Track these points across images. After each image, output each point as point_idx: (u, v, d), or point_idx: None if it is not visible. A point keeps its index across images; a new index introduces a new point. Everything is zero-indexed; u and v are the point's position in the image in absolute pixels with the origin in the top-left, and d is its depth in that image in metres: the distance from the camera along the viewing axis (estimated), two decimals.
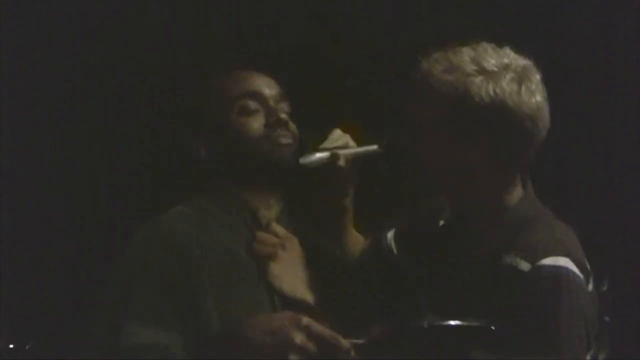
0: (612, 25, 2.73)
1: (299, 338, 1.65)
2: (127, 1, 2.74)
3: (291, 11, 2.77)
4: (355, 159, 1.98)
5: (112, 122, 2.76)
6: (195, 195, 2.01)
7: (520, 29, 2.62)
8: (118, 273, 1.87)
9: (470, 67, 1.81)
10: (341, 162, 1.94)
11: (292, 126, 1.97)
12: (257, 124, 1.94)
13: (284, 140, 1.93)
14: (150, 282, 1.82)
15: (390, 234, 2.07)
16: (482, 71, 1.80)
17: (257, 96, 1.95)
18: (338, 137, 1.99)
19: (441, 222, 2.01)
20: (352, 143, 1.99)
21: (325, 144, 1.98)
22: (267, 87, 1.98)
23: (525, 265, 1.78)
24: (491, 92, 1.79)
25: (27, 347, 2.52)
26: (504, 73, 1.81)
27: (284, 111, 1.96)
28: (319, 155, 1.96)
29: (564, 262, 1.79)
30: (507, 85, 1.80)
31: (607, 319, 1.94)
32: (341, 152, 1.96)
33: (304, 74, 2.69)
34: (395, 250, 2.04)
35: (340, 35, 2.79)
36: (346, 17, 2.80)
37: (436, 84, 1.81)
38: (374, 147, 1.99)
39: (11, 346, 2.55)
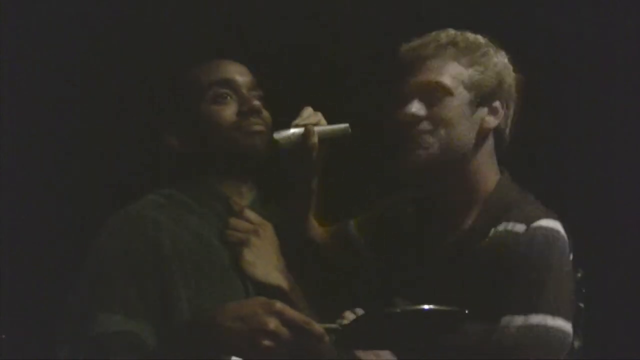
0: (612, 25, 2.73)
1: (272, 323, 1.62)
2: None
3: (290, 11, 2.77)
4: (325, 138, 1.98)
5: (84, 114, 2.76)
6: (167, 184, 2.00)
7: (520, 29, 2.62)
8: (88, 262, 1.86)
9: (480, 41, 1.94)
10: (314, 138, 1.94)
11: (266, 113, 1.97)
12: (229, 111, 1.94)
13: (257, 128, 1.93)
14: (120, 271, 1.82)
15: (353, 222, 2.09)
16: (490, 47, 1.95)
17: (229, 84, 1.96)
18: (309, 114, 2.00)
19: (406, 208, 2.06)
20: (323, 121, 2.00)
21: (298, 121, 1.98)
22: (239, 75, 1.98)
23: (520, 227, 1.84)
24: (501, 66, 1.92)
25: (2, 336, 2.52)
26: (500, 51, 1.95)
27: (256, 98, 1.96)
28: (292, 130, 1.96)
29: (556, 225, 1.86)
30: (506, 60, 1.95)
31: (581, 305, 1.97)
32: (314, 128, 1.96)
33: (303, 73, 2.70)
34: (361, 239, 2.06)
35: (340, 35, 2.79)
36: (345, 17, 2.80)
37: (461, 52, 1.90)
38: (345, 125, 2.00)
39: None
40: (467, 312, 1.68)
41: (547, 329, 1.77)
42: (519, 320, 1.78)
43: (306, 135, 1.94)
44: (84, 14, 2.70)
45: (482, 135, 1.93)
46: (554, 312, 1.79)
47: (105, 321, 1.76)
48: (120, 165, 2.73)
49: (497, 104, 1.94)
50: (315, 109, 2.03)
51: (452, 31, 1.95)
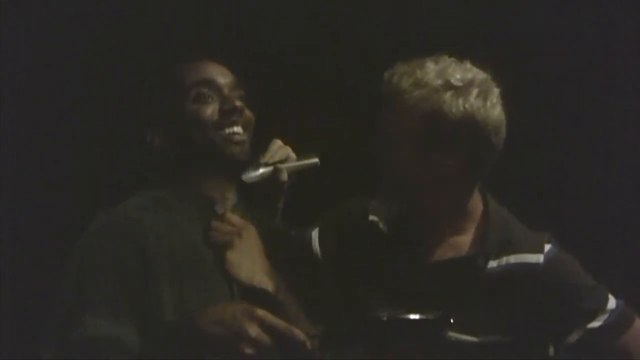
0: (612, 25, 2.73)
1: (253, 330, 1.62)
2: None
3: (288, 12, 2.77)
4: (294, 172, 2.02)
5: (67, 115, 2.75)
6: (152, 185, 2.00)
7: (520, 30, 2.62)
8: (72, 263, 1.85)
9: (437, 82, 1.89)
10: (283, 177, 2.00)
11: (248, 113, 1.97)
12: (210, 110, 1.94)
13: (236, 129, 1.93)
14: (105, 273, 1.80)
15: (314, 233, 2.09)
16: (450, 86, 1.89)
17: (211, 84, 1.96)
18: (278, 148, 2.02)
19: (371, 218, 2.05)
20: (292, 155, 2.03)
21: (267, 157, 2.01)
22: (221, 76, 1.98)
23: (534, 258, 1.93)
24: (461, 108, 1.87)
25: None
26: (469, 88, 1.89)
27: (238, 98, 1.97)
28: (261, 170, 1.99)
29: (561, 247, 1.98)
30: (474, 100, 1.89)
31: None
32: (283, 166, 1.99)
33: (301, 73, 2.70)
34: (318, 250, 2.07)
35: (338, 36, 2.79)
36: (344, 17, 2.80)
37: (406, 99, 1.89)
38: (315, 160, 2.03)
39: None
40: (452, 320, 1.71)
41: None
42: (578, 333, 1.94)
43: (275, 175, 1.99)
44: (76, 15, 2.70)
45: (441, 172, 1.92)
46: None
47: (91, 324, 1.75)
48: (106, 165, 2.73)
49: (454, 146, 1.90)
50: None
51: (419, 73, 1.91)
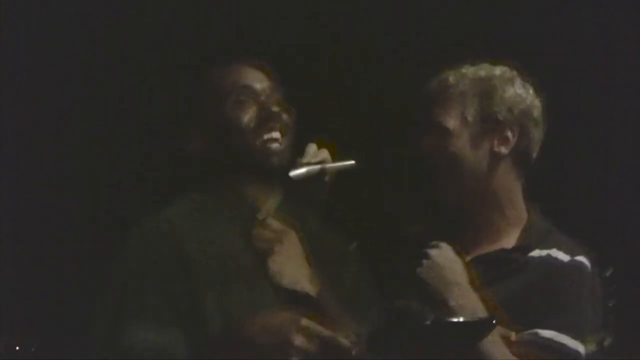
0: (612, 25, 2.73)
1: (298, 340, 1.66)
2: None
3: (291, 11, 2.77)
4: (334, 173, 2.03)
5: (107, 120, 2.76)
6: (193, 190, 1.99)
7: (520, 30, 2.62)
8: (117, 272, 1.86)
9: (484, 73, 2.02)
10: (327, 177, 2.00)
11: (286, 117, 1.97)
12: (248, 117, 1.93)
13: (274, 135, 1.93)
14: (149, 281, 1.81)
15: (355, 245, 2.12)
16: (496, 75, 2.02)
17: (249, 90, 1.96)
18: (315, 152, 2.04)
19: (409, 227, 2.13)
20: (328, 157, 2.04)
21: (307, 159, 2.01)
22: (258, 81, 1.97)
23: (564, 257, 1.95)
24: (511, 91, 1.99)
25: (32, 349, 2.52)
26: (513, 79, 2.02)
27: (275, 104, 1.97)
28: (308, 169, 1.99)
29: (588, 263, 1.99)
30: (519, 89, 2.01)
31: (610, 304, 2.08)
32: (327, 165, 2.00)
33: (304, 74, 2.70)
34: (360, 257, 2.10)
35: (341, 36, 2.80)
36: (345, 17, 2.80)
37: (460, 88, 2.00)
38: (352, 162, 2.05)
39: (17, 348, 2.56)
40: (495, 322, 1.72)
41: (565, 348, 1.90)
42: (547, 334, 1.89)
43: (320, 173, 1.98)
44: (100, 17, 2.71)
45: (495, 162, 2.01)
46: (576, 337, 1.91)
47: (135, 332, 1.76)
48: (146, 170, 2.73)
49: (507, 133, 2.00)
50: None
51: (463, 69, 2.03)
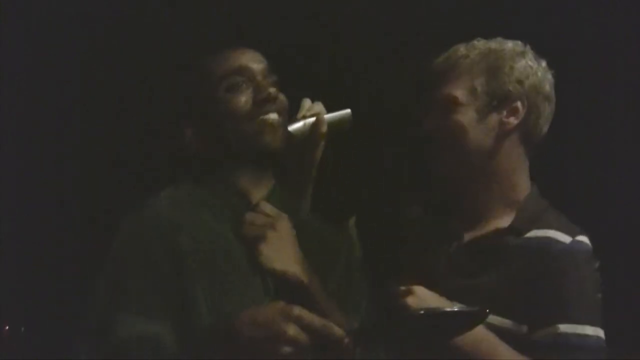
0: (612, 25, 2.73)
1: (291, 330, 1.62)
2: None
3: (291, 11, 2.77)
4: (331, 126, 2.02)
5: (98, 109, 2.75)
6: (183, 181, 1.98)
7: (520, 31, 2.62)
8: (106, 264, 1.84)
9: (495, 46, 2.02)
10: (324, 127, 1.99)
11: (281, 97, 1.94)
12: (244, 99, 1.90)
13: (272, 117, 1.89)
14: (138, 272, 1.80)
15: (351, 222, 2.11)
16: (506, 48, 2.01)
17: (244, 72, 1.92)
18: (310, 105, 2.02)
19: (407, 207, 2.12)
20: (323, 110, 2.03)
21: (303, 112, 2.01)
22: (254, 62, 1.95)
23: (565, 238, 1.94)
24: (520, 64, 1.99)
25: (22, 330, 2.52)
26: (525, 53, 2.02)
27: (271, 84, 1.94)
28: (303, 122, 1.98)
29: (589, 243, 1.98)
30: (530, 62, 2.01)
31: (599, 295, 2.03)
32: (323, 116, 2.00)
33: (304, 72, 2.70)
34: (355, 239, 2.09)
35: (340, 34, 2.80)
36: (345, 16, 2.80)
37: (468, 60, 1.99)
38: (347, 111, 2.03)
39: (7, 327, 2.56)
40: (488, 311, 1.70)
41: (588, 339, 1.89)
42: (566, 328, 1.89)
43: (317, 124, 1.97)
44: (93, 11, 2.71)
45: (502, 135, 1.99)
46: (592, 323, 1.91)
47: (126, 324, 1.75)
48: (136, 159, 2.73)
49: (517, 104, 1.98)
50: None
51: (476, 42, 2.03)
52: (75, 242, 2.65)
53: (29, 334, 2.56)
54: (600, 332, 1.89)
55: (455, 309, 1.68)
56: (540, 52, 2.10)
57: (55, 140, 2.74)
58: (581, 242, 1.95)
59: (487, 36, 2.09)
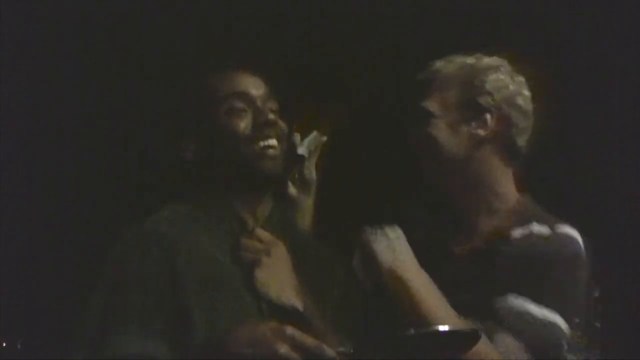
0: (612, 25, 2.73)
1: (283, 349, 1.64)
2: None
3: (292, 11, 2.78)
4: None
5: (99, 126, 2.76)
6: (182, 199, 1.98)
7: (521, 31, 2.63)
8: (102, 279, 1.85)
9: (471, 61, 2.06)
10: (324, 137, 2.10)
11: (281, 124, 1.95)
12: (244, 123, 1.91)
13: (270, 142, 1.90)
14: (133, 289, 1.80)
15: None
16: (482, 64, 2.05)
17: (244, 97, 1.93)
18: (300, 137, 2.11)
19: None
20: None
21: (298, 140, 2.09)
22: (254, 88, 1.95)
23: (545, 230, 1.95)
24: (493, 78, 2.02)
25: (18, 346, 2.52)
26: (500, 67, 2.05)
27: (271, 110, 1.95)
28: (308, 140, 2.07)
29: (576, 234, 1.97)
30: (504, 76, 2.04)
31: (597, 324, 2.04)
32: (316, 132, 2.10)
33: (303, 73, 2.71)
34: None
35: (341, 34, 2.80)
36: (349, 16, 2.81)
37: (444, 73, 2.04)
38: (315, 132, 2.10)
39: (4, 345, 2.57)
40: (480, 332, 1.70)
41: (550, 324, 1.88)
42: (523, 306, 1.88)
43: (318, 136, 2.07)
44: (94, 28, 2.71)
45: (474, 147, 2.02)
46: (562, 313, 1.89)
47: (121, 341, 1.75)
48: (136, 177, 2.73)
49: (486, 116, 2.02)
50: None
51: (454, 57, 2.06)
52: (72, 260, 2.65)
53: (25, 350, 2.56)
54: (558, 319, 1.88)
55: (446, 329, 1.68)
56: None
57: (54, 154, 2.74)
58: (565, 232, 1.96)
59: (488, 36, 2.09)
